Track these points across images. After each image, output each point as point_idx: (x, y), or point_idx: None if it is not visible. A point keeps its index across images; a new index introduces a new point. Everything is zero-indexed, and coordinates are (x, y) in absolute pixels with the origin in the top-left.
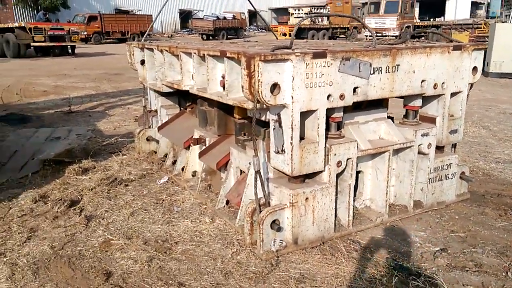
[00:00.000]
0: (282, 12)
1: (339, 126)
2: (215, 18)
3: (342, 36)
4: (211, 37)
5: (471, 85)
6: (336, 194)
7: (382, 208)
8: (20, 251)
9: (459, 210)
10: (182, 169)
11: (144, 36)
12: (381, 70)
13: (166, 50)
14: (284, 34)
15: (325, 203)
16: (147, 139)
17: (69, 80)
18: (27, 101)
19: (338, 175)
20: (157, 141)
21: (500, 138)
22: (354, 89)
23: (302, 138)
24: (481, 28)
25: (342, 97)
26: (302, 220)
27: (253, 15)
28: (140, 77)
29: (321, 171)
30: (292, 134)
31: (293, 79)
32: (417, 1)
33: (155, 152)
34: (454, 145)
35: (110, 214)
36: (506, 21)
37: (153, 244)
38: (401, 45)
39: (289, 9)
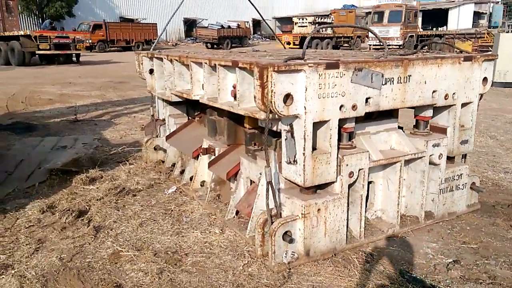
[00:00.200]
0: (285, 21)
1: (351, 136)
2: (219, 27)
3: (346, 45)
4: (215, 46)
5: (481, 95)
6: (348, 205)
7: (393, 219)
8: (28, 263)
9: (470, 221)
10: (191, 178)
11: (153, 46)
12: (393, 81)
13: (176, 60)
14: (288, 43)
15: (337, 214)
16: (155, 148)
17: (74, 88)
18: (33, 109)
19: (349, 186)
20: (165, 151)
21: (508, 148)
22: (366, 99)
23: (313, 148)
24: (484, 37)
25: (354, 107)
26: (314, 232)
27: (257, 24)
28: (148, 86)
29: (333, 182)
30: (304, 145)
31: (306, 90)
32: (420, 11)
33: (163, 162)
34: (464, 156)
35: (118, 225)
36: (509, 31)
37: (163, 255)
38: (412, 55)
39: (293, 18)
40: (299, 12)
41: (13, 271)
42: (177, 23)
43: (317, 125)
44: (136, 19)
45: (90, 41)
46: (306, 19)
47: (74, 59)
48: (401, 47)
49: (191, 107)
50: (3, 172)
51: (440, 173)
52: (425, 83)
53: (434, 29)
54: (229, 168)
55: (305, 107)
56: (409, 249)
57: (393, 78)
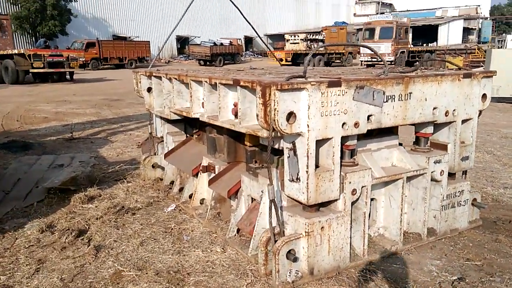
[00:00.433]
0: (277, 38)
1: (352, 153)
2: (212, 44)
3: (338, 61)
4: (208, 63)
5: (480, 112)
6: (350, 223)
7: (396, 236)
8: (29, 284)
9: (472, 237)
10: (190, 196)
11: (151, 64)
12: (394, 98)
13: (175, 78)
14: (281, 60)
15: (340, 232)
16: (153, 166)
17: (69, 106)
18: (28, 127)
19: (352, 203)
20: (163, 168)
21: (505, 163)
22: (368, 117)
23: (316, 166)
24: (474, 53)
25: (356, 125)
26: (318, 250)
27: (249, 41)
28: (146, 104)
29: (336, 200)
30: (308, 163)
31: (308, 108)
32: (410, 27)
33: (161, 179)
34: (465, 172)
35: (119, 244)
36: (499, 46)
37: (165, 275)
38: (412, 73)
39: (285, 35)
40: (290, 29)
41: None
42: (170, 40)
43: (319, 143)
44: (129, 37)
45: (83, 59)
46: (298, 36)
47: (68, 77)
48: (392, 63)
49: (189, 125)
50: (0, 191)
51: (441, 189)
52: (426, 100)
53: (425, 45)
54: (230, 186)
55: (308, 125)
56: (413, 266)
57: (394, 95)
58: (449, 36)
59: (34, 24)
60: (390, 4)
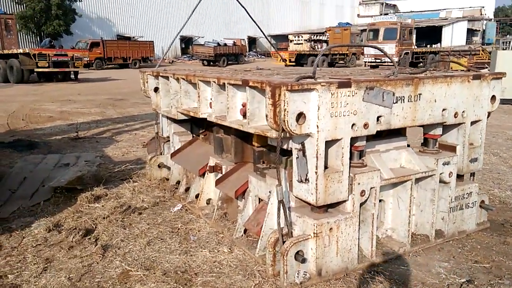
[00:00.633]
0: (280, 39)
1: (361, 154)
2: (215, 44)
3: (341, 62)
4: (211, 63)
5: (489, 113)
6: (359, 224)
7: (404, 238)
8: (37, 283)
9: (480, 239)
10: (196, 196)
11: (158, 64)
12: (403, 99)
13: (183, 78)
14: (284, 60)
15: (348, 233)
16: (159, 166)
17: (74, 106)
18: (33, 126)
19: (360, 205)
20: (169, 168)
21: (511, 165)
22: (378, 118)
23: (325, 167)
24: (479, 54)
25: (366, 126)
26: (326, 251)
27: (253, 41)
28: (153, 104)
29: (345, 201)
30: (317, 163)
31: (318, 109)
32: (414, 28)
33: (167, 179)
34: (473, 174)
35: (126, 244)
36: (504, 48)
37: (172, 275)
38: (421, 74)
39: (288, 35)
40: (294, 30)
41: None
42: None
43: (329, 144)
44: (133, 37)
45: (87, 58)
46: (302, 37)
47: (73, 76)
48: (396, 63)
49: (196, 125)
50: (7, 190)
51: (450, 191)
52: (435, 101)
53: (429, 46)
54: (237, 186)
55: (317, 126)
56: (421, 268)
57: (403, 96)
58: (453, 37)
59: (39, 23)
60: (394, 5)
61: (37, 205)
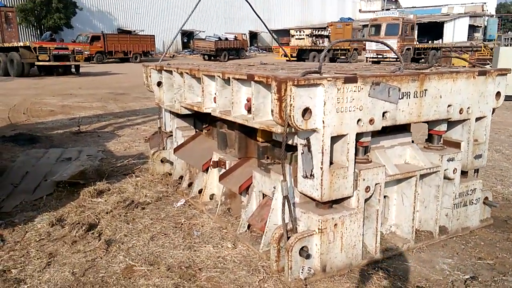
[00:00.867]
0: (282, 34)
1: (366, 150)
2: (217, 39)
3: (343, 57)
4: (212, 58)
5: (493, 110)
6: (363, 220)
7: (408, 234)
8: (41, 278)
9: (483, 236)
10: (199, 191)
11: (161, 58)
12: (409, 95)
13: (187, 73)
14: (286, 55)
15: (353, 229)
16: (162, 161)
17: (75, 100)
18: (35, 120)
19: (365, 201)
20: (172, 163)
21: None
22: (383, 113)
23: (330, 162)
24: (481, 50)
25: (371, 121)
26: (331, 247)
27: (254, 36)
28: (156, 99)
29: (349, 197)
30: (322, 159)
31: (324, 104)
32: (416, 24)
33: (170, 174)
34: (476, 170)
35: (129, 239)
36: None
37: (176, 270)
38: (427, 70)
39: (290, 30)
40: (295, 25)
41: (25, 286)
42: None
43: (334, 139)
44: (134, 31)
45: (88, 52)
46: (304, 32)
47: (73, 70)
48: (397, 59)
49: (199, 120)
50: (9, 184)
51: (454, 187)
52: (441, 97)
53: (430, 42)
54: (241, 182)
55: (323, 121)
56: (425, 265)
57: (409, 92)
58: (455, 33)
59: (39, 16)
60: (396, 1)
61: (40, 199)
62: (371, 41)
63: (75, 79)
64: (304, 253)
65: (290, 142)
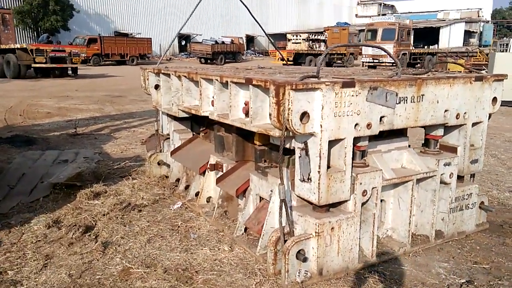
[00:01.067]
0: (278, 37)
1: (363, 154)
2: (213, 42)
3: (339, 61)
4: (209, 61)
5: (490, 115)
6: (360, 224)
7: (404, 238)
8: (37, 279)
9: (479, 240)
10: (196, 194)
11: (159, 61)
12: (406, 100)
13: (185, 76)
14: (282, 59)
15: (350, 233)
16: (158, 163)
17: (71, 102)
18: (31, 122)
19: (362, 204)
20: (169, 166)
21: (510, 167)
22: (381, 118)
23: (327, 166)
24: (476, 56)
25: (369, 126)
26: (328, 250)
27: (251, 40)
28: (153, 101)
29: (346, 200)
30: (320, 163)
31: (322, 108)
32: (412, 29)
33: (167, 177)
34: (473, 175)
35: (126, 241)
36: (501, 50)
37: (173, 273)
38: (424, 75)
39: (287, 34)
40: (292, 29)
41: None
42: (171, 38)
43: (331, 143)
44: (131, 34)
45: (85, 54)
46: (300, 36)
47: (70, 72)
48: (394, 64)
49: (196, 123)
50: (6, 185)
51: (450, 192)
52: (438, 102)
53: (426, 47)
54: (238, 185)
55: (321, 125)
56: (421, 268)
57: (406, 97)
58: (451, 38)
59: (36, 19)
60: (392, 6)
61: (36, 201)
62: (369, 46)
63: (72, 81)
64: (301, 256)
65: (287, 146)
